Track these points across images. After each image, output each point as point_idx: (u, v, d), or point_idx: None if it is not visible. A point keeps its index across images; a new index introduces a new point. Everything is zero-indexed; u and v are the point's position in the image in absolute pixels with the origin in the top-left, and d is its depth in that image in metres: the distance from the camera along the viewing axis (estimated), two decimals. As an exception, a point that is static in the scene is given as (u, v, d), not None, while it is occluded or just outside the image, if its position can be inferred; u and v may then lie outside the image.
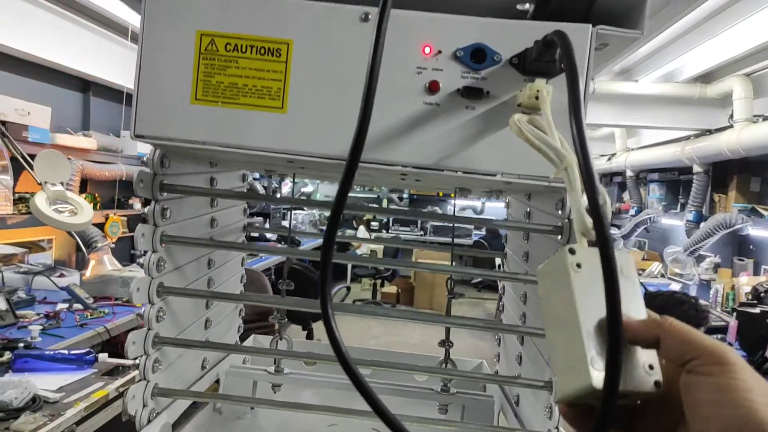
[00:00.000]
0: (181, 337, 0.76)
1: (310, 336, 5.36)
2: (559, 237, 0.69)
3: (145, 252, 0.69)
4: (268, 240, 6.38)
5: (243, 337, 1.14)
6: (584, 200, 0.43)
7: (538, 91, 0.54)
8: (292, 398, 0.94)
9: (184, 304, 0.78)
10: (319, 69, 0.58)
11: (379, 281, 8.39)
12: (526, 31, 0.57)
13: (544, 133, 0.53)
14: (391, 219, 10.24)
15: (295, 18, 0.58)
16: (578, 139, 0.38)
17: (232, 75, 0.58)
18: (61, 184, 2.82)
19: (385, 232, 10.20)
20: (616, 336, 0.34)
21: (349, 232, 9.45)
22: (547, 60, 0.54)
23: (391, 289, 8.37)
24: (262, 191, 6.65)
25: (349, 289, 7.43)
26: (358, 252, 8.73)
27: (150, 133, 0.58)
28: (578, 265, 0.42)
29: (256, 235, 6.32)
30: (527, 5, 0.62)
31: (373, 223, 10.16)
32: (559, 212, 0.70)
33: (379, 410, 0.39)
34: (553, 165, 0.50)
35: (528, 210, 0.90)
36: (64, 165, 2.89)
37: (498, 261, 1.12)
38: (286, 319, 0.90)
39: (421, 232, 10.16)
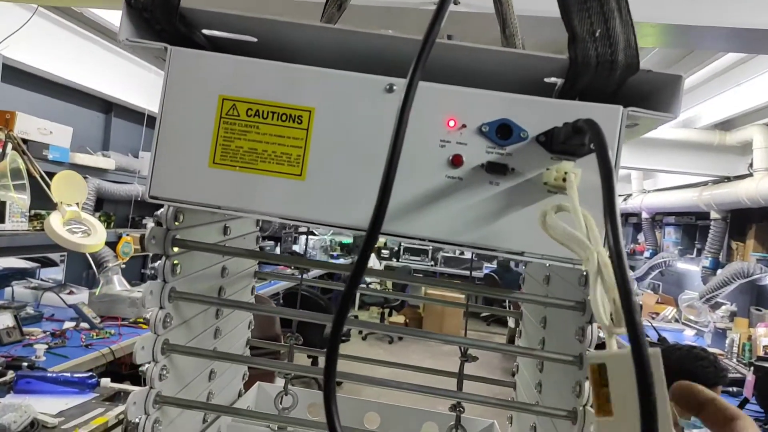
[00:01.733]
0: (182, 395, 0.74)
1: (315, 362, 5.31)
2: (582, 314, 0.67)
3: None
4: (277, 262, 6.37)
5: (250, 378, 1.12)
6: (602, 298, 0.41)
7: (565, 173, 0.52)
8: (295, 457, 0.91)
9: (189, 358, 0.76)
10: (341, 138, 0.57)
11: (387, 310, 8.31)
12: (554, 110, 0.56)
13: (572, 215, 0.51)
14: (402, 247, 10.19)
15: (318, 86, 0.57)
16: (615, 252, 0.36)
17: (252, 140, 0.57)
18: (77, 204, 2.85)
19: (395, 260, 10.15)
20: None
21: (360, 258, 9.39)
22: (575, 143, 0.53)
23: (399, 318, 8.29)
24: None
25: (356, 317, 7.37)
26: (368, 279, 8.69)
27: (165, 195, 0.57)
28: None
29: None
30: (554, 79, 0.61)
31: (383, 251, 10.13)
32: (582, 287, 0.68)
33: None
34: (579, 257, 0.49)
35: (548, 275, 0.87)
36: (80, 186, 2.92)
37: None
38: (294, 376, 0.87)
39: (432, 263, 10.11)
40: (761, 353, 3.72)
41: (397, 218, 0.56)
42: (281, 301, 5.56)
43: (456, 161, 0.56)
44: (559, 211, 0.53)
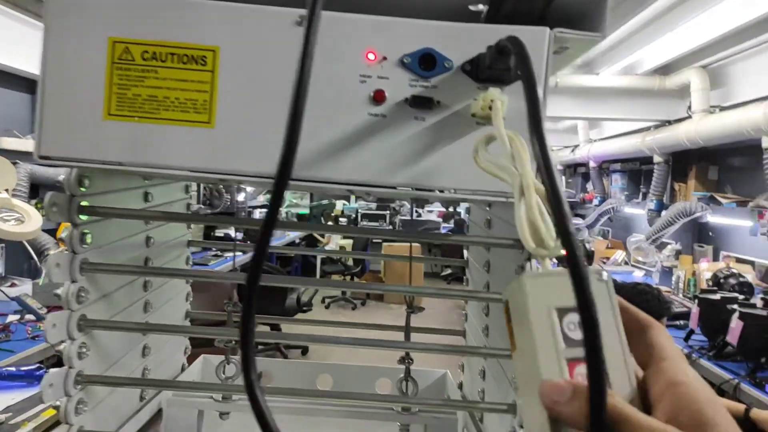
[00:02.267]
0: (111, 373, 0.69)
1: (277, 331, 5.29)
2: (521, 252, 0.65)
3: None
4: (233, 238, 6.24)
5: (194, 353, 1.08)
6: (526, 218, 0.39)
7: (491, 101, 0.49)
8: (243, 428, 0.88)
9: (115, 334, 0.71)
10: (251, 79, 0.52)
11: (348, 277, 8.32)
12: (479, 35, 0.52)
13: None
14: (359, 214, 10.17)
15: (222, 22, 0.51)
16: (543, 162, 0.33)
17: (151, 86, 0.51)
18: (7, 191, 2.67)
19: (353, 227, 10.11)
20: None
21: (317, 228, 9.34)
22: (501, 68, 0.49)
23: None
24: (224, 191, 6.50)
25: (316, 288, 7.36)
26: (327, 248, 8.64)
27: (57, 153, 0.51)
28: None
29: (221, 234, 6.09)
30: (480, 6, 0.57)
31: (341, 219, 10.08)
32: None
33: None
34: (509, 184, 0.46)
35: (488, 218, 0.85)
36: (8, 171, 2.74)
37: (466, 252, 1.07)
38: (234, 342, 0.83)
39: (390, 227, 10.13)
40: (704, 287, 3.91)
41: (319, 163, 0.52)
42: (239, 276, 5.43)
43: (378, 97, 0.52)
44: (490, 141, 0.50)
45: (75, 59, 0.51)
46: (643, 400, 0.33)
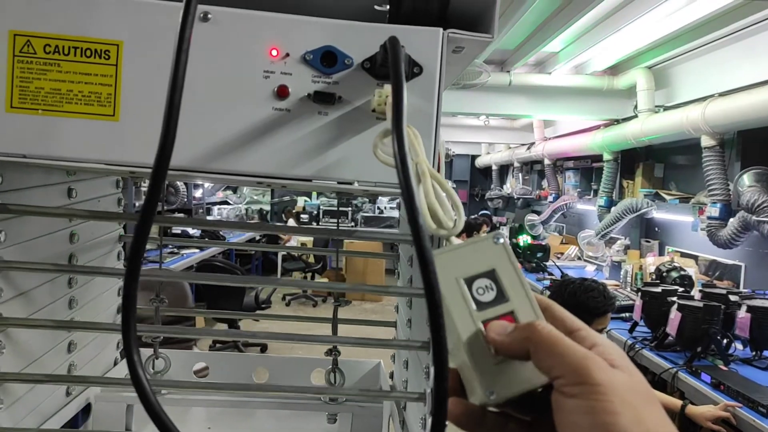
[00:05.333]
0: (30, 370, 0.69)
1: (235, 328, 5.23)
2: (436, 248, 0.68)
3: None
4: (191, 236, 6.14)
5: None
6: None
7: (387, 96, 0.52)
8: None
9: (34, 331, 0.71)
10: (155, 73, 0.53)
11: (309, 274, 8.29)
12: (376, 34, 0.55)
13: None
14: (321, 211, 10.15)
15: (125, 17, 0.52)
16: (398, 154, 0.36)
17: (54, 80, 0.52)
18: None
19: (315, 224, 10.09)
20: (440, 373, 0.32)
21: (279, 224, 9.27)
22: (393, 65, 0.52)
23: (321, 282, 8.30)
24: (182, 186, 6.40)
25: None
26: (288, 245, 8.59)
27: (-43, 146, 0.51)
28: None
29: (178, 231, 5.94)
30: (385, 7, 0.60)
31: (303, 216, 10.04)
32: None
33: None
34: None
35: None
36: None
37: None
38: (161, 337, 0.84)
39: (352, 224, 10.14)
40: (649, 280, 4.06)
41: (224, 155, 0.54)
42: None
43: (282, 92, 0.54)
44: (387, 135, 0.53)
45: (-25, 52, 0.51)
46: None
